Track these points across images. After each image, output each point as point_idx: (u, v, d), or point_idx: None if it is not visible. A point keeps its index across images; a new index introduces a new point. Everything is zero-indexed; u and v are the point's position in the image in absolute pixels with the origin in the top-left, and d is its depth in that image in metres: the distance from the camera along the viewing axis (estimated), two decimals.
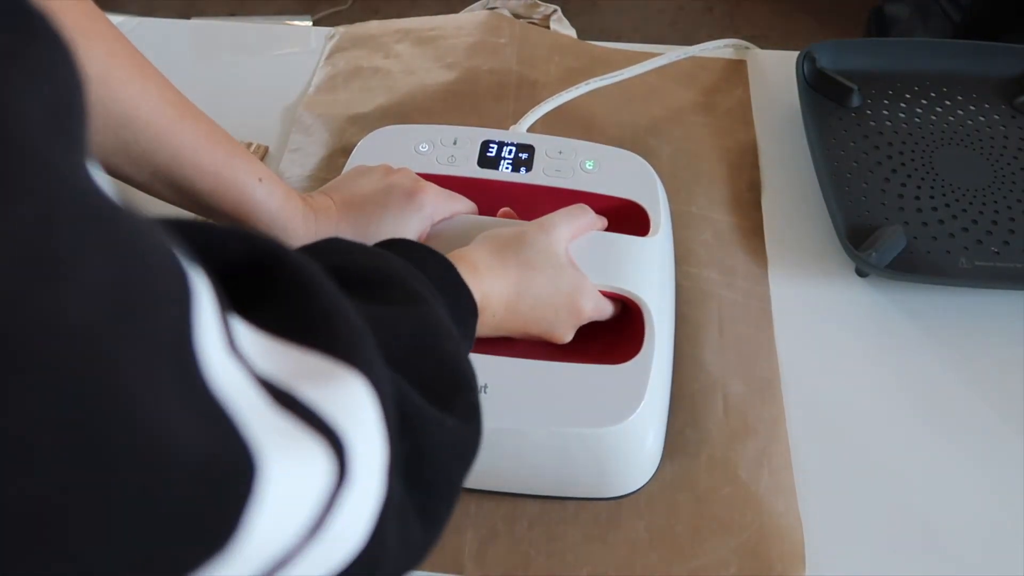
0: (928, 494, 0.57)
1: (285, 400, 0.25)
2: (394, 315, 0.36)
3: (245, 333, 0.26)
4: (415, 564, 0.34)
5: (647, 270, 0.59)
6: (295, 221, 0.54)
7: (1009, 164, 0.74)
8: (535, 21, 0.91)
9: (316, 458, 0.26)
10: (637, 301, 0.57)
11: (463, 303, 0.44)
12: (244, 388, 0.24)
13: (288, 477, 0.24)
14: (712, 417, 0.59)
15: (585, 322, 0.55)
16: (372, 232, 0.56)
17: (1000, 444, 0.59)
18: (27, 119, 0.18)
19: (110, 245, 0.20)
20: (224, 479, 0.22)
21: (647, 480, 0.56)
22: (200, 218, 0.51)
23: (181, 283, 0.23)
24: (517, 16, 0.90)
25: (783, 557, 0.53)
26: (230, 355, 0.24)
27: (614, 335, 0.58)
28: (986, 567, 0.54)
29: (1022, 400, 0.61)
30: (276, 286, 0.29)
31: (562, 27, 0.91)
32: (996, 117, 0.78)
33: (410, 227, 0.57)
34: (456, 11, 0.91)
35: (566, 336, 0.55)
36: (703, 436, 0.58)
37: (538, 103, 0.73)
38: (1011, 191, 0.72)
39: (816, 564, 0.53)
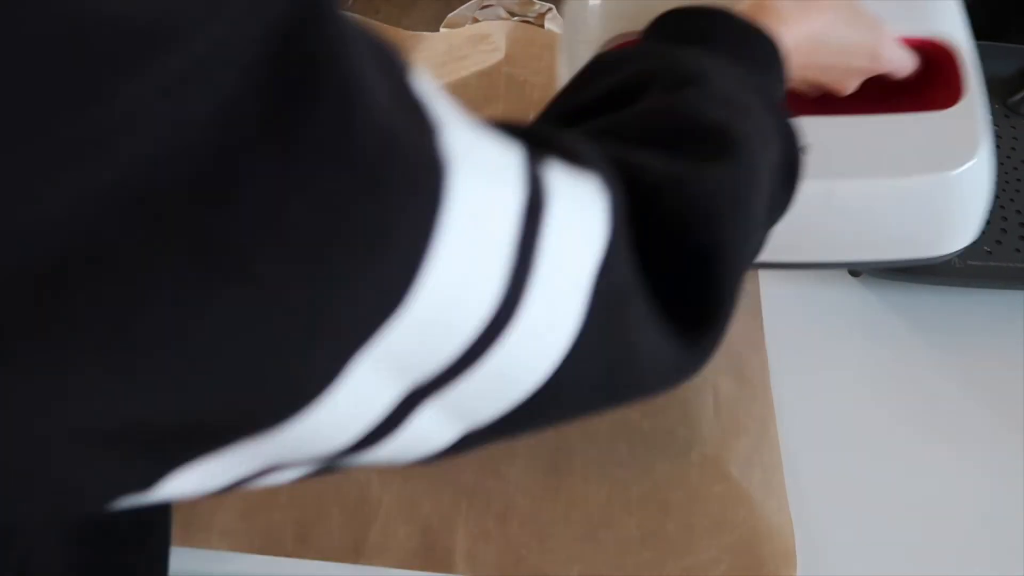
0: (919, 493, 0.57)
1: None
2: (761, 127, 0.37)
3: None
4: (658, 387, 0.30)
5: (955, 10, 0.58)
6: None
7: (1002, 164, 0.74)
8: (530, 19, 0.91)
9: (509, 173, 0.25)
10: (949, 46, 0.56)
11: (775, 73, 0.43)
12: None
13: (477, 191, 0.23)
14: (703, 415, 0.59)
15: (876, 73, 0.53)
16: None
17: (993, 443, 0.59)
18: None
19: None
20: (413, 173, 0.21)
21: (975, 237, 0.56)
22: None
23: None
24: (512, 14, 0.90)
25: (774, 555, 0.53)
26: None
27: (911, 84, 0.57)
28: (982, 567, 0.54)
29: (1015, 399, 0.61)
30: None
31: (556, 26, 0.91)
32: (989, 116, 0.78)
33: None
34: (455, 9, 0.91)
35: (851, 86, 0.53)
36: (694, 434, 0.59)
37: (530, 103, 0.73)
38: (1003, 190, 0.72)
39: (807, 562, 0.53)
